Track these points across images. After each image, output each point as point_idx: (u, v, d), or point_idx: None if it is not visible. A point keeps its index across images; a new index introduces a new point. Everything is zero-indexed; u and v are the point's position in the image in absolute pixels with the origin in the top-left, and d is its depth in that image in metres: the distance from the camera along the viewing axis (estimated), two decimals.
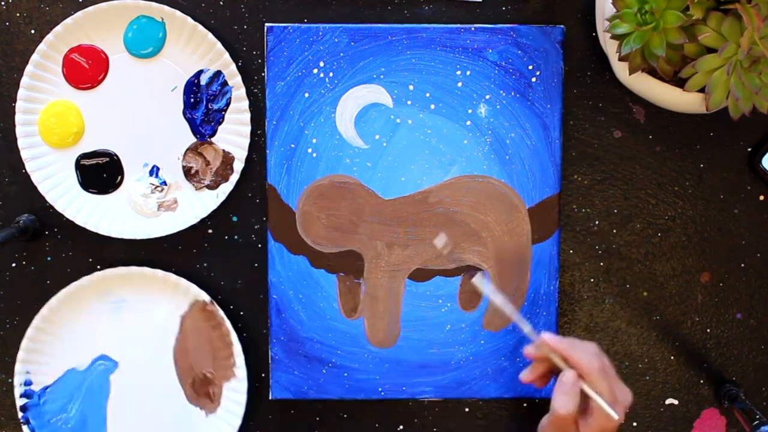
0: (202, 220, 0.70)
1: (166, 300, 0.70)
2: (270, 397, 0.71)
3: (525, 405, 0.73)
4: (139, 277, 0.69)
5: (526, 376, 0.63)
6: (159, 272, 0.69)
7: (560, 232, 0.70)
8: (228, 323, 0.69)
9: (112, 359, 0.70)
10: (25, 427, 0.70)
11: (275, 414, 0.73)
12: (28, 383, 0.69)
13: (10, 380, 0.72)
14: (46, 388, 0.70)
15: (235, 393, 0.70)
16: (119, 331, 0.70)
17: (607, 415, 0.57)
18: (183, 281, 0.69)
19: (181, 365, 0.71)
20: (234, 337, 0.69)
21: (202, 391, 0.71)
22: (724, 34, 0.55)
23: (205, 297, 0.69)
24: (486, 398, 0.72)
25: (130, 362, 0.71)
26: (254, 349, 0.72)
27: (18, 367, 0.69)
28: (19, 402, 0.70)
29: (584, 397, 0.59)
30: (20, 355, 0.69)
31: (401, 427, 0.73)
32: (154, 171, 0.70)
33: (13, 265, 0.71)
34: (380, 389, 0.71)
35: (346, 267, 0.70)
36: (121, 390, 0.71)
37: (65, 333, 0.70)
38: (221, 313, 0.69)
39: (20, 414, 0.70)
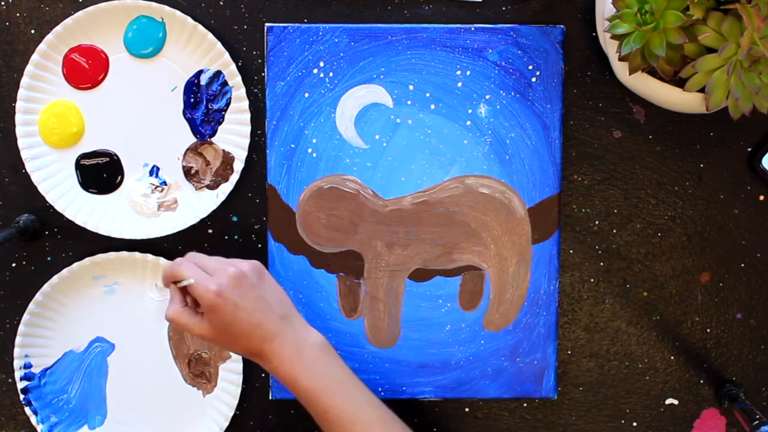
0: (202, 220, 0.70)
1: (158, 283, 0.71)
2: (270, 397, 0.71)
3: (525, 405, 0.73)
4: (130, 262, 0.70)
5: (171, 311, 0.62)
6: (149, 256, 0.69)
7: (560, 232, 0.70)
8: None
9: (109, 341, 0.71)
10: (27, 409, 0.70)
11: (275, 414, 0.73)
12: (28, 366, 0.70)
13: (10, 380, 0.72)
14: (46, 369, 0.71)
15: (231, 374, 0.71)
16: (114, 313, 0.71)
17: (190, 287, 0.59)
18: None
19: (176, 346, 0.71)
20: None
21: (198, 371, 0.71)
22: (724, 34, 0.55)
23: None
24: (486, 398, 0.72)
25: (126, 344, 0.71)
26: None
27: (17, 351, 0.70)
28: (20, 385, 0.70)
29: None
30: (18, 339, 0.69)
31: None
32: (154, 171, 0.70)
33: (13, 265, 0.71)
34: (380, 389, 0.71)
35: (346, 267, 0.70)
36: (119, 371, 0.71)
37: (61, 316, 0.71)
38: None
39: (21, 397, 0.70)
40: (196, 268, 0.60)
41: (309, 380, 0.60)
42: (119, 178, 0.70)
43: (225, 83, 0.69)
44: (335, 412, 0.60)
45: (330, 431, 0.61)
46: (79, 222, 0.69)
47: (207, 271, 0.60)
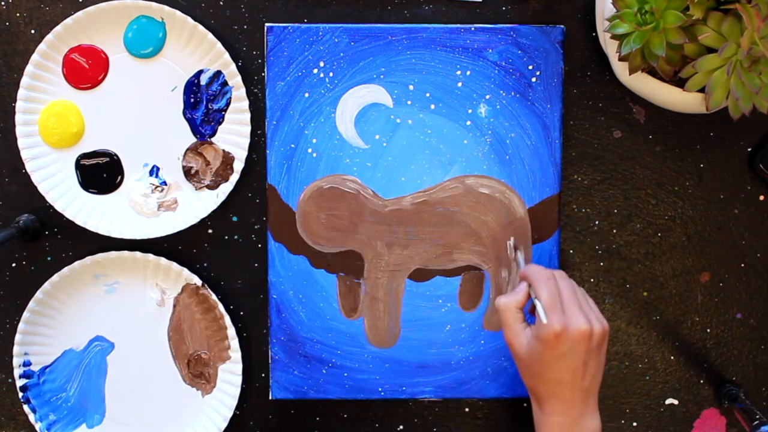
0: (202, 220, 0.70)
1: (158, 282, 0.71)
2: (270, 397, 0.71)
3: (525, 405, 0.73)
4: (131, 261, 0.70)
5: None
6: (150, 256, 0.69)
7: (560, 232, 0.70)
8: (221, 307, 0.70)
9: (108, 340, 0.71)
10: (25, 407, 0.70)
11: (275, 414, 0.73)
12: (27, 363, 0.70)
13: (10, 380, 0.72)
14: (45, 368, 0.71)
15: (230, 375, 0.71)
16: (114, 312, 0.71)
17: (539, 315, 0.59)
18: (175, 265, 0.69)
19: (175, 346, 0.71)
20: (228, 320, 0.70)
21: (197, 372, 0.71)
22: (724, 34, 0.55)
23: (197, 281, 0.69)
24: (486, 398, 0.72)
25: (126, 343, 0.71)
26: (254, 349, 0.72)
27: (16, 348, 0.70)
28: (19, 383, 0.70)
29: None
30: (18, 337, 0.69)
31: (401, 427, 0.73)
32: (154, 171, 0.70)
33: (13, 265, 0.71)
34: (380, 389, 0.71)
35: (346, 267, 0.70)
36: (118, 370, 0.71)
37: (61, 315, 0.71)
38: (214, 297, 0.69)
39: (20, 394, 0.70)
40: (555, 292, 0.60)
41: None
42: (119, 178, 0.70)
43: (225, 83, 0.69)
44: None
45: None
46: (79, 222, 0.69)
47: (562, 303, 0.60)
